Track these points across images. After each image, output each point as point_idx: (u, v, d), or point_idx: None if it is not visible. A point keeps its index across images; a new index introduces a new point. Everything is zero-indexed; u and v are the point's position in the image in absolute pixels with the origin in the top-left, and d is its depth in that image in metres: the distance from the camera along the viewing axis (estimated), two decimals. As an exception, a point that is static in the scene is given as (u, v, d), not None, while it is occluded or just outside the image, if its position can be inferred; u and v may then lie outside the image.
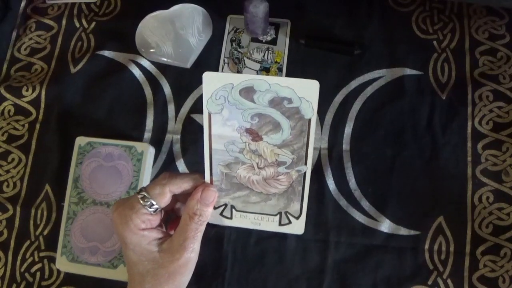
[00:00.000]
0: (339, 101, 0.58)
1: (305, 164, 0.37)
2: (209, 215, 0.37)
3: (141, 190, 0.37)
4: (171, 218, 0.42)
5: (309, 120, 0.35)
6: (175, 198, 0.39)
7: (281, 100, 0.34)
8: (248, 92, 0.34)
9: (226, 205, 0.39)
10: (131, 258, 0.37)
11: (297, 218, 0.39)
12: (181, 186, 0.37)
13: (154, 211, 0.37)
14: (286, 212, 0.39)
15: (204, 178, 0.38)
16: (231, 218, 0.39)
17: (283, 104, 0.34)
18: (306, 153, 0.36)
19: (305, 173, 0.37)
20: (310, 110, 0.34)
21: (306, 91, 0.34)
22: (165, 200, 0.37)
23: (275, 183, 0.38)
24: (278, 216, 0.39)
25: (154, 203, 0.36)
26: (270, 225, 0.39)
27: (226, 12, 0.62)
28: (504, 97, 0.56)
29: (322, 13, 0.61)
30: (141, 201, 0.36)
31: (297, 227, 0.39)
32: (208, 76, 0.34)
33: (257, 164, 0.37)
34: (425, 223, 0.54)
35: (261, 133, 0.36)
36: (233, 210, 0.39)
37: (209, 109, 0.35)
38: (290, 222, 0.39)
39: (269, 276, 0.54)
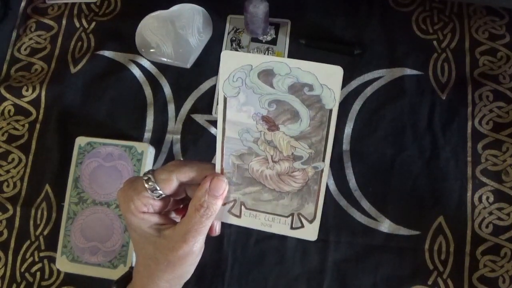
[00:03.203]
0: (339, 101, 0.58)
1: (323, 160, 0.34)
2: (217, 209, 0.35)
3: (148, 172, 0.35)
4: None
5: (330, 111, 0.33)
6: (184, 189, 0.37)
7: (301, 87, 0.32)
8: (267, 75, 0.32)
9: (235, 201, 0.36)
10: (134, 238, 0.36)
11: (311, 222, 0.36)
12: (189, 174, 0.35)
13: (158, 197, 0.35)
14: (299, 214, 0.36)
15: (215, 169, 0.35)
16: (239, 216, 0.36)
17: (303, 91, 0.32)
18: (324, 148, 0.34)
19: (322, 171, 0.34)
20: (332, 99, 0.32)
21: (328, 78, 0.32)
22: (171, 187, 0.35)
23: (289, 180, 0.35)
24: (290, 218, 0.36)
25: (158, 188, 0.34)
26: (281, 227, 0.36)
27: (226, 12, 0.62)
28: (504, 97, 0.56)
29: (322, 13, 0.61)
30: (145, 184, 0.34)
31: (310, 232, 0.36)
32: (226, 56, 0.32)
33: (272, 157, 0.35)
34: (425, 223, 0.54)
35: (278, 122, 0.34)
36: (243, 207, 0.36)
37: (225, 92, 0.33)
38: (302, 226, 0.36)
39: (269, 276, 0.54)
